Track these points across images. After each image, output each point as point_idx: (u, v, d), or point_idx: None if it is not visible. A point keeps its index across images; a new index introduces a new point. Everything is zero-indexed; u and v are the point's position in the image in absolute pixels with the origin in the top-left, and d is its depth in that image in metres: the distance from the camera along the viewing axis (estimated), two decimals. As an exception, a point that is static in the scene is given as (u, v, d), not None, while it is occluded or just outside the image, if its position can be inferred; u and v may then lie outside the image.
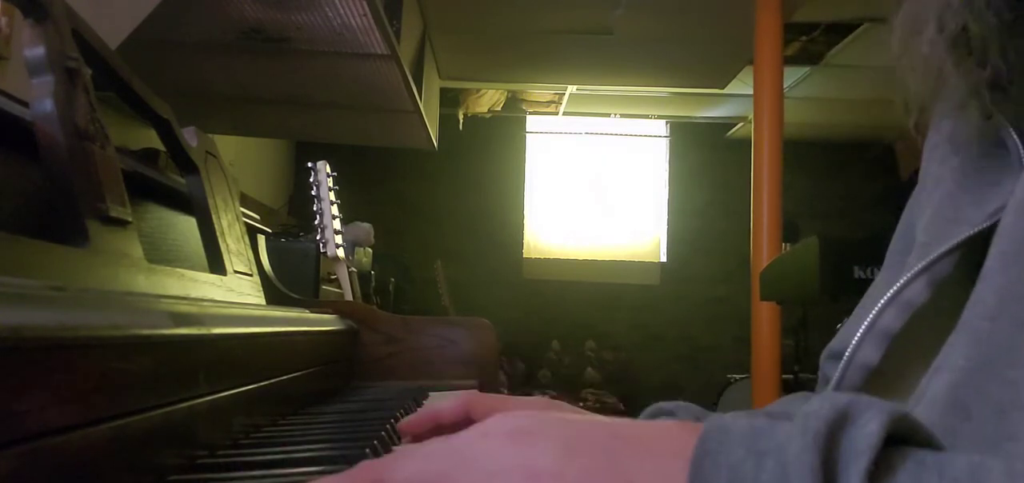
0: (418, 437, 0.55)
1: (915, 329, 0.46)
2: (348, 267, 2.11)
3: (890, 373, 0.47)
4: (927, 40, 0.43)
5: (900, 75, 0.47)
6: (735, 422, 0.33)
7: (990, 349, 0.37)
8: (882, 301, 0.47)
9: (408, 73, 3.04)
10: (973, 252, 0.43)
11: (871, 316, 0.47)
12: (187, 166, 0.98)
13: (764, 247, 3.16)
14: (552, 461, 0.34)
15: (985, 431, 0.36)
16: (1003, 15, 0.40)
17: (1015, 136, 0.43)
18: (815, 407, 0.31)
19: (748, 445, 0.31)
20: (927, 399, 0.40)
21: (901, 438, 0.31)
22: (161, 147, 0.98)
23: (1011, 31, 0.40)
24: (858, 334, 0.48)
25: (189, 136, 0.99)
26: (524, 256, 6.20)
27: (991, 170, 0.45)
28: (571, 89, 5.27)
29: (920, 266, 0.45)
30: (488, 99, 5.58)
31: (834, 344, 0.55)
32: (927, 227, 0.48)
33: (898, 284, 0.46)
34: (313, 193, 1.88)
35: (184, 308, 0.60)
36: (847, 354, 0.48)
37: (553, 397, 0.63)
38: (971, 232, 0.43)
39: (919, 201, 0.53)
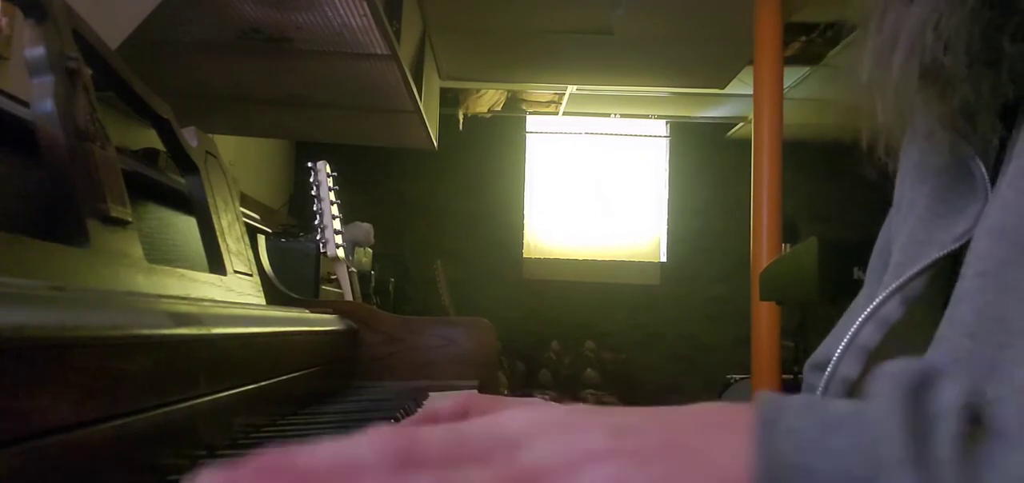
0: None
1: (892, 345, 0.48)
2: (348, 267, 2.11)
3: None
4: (897, 66, 0.44)
5: (867, 100, 0.48)
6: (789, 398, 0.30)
7: (972, 368, 0.38)
8: (860, 318, 0.48)
9: (408, 73, 3.04)
10: (942, 272, 0.46)
11: (851, 332, 0.49)
12: (187, 166, 0.98)
13: (764, 247, 3.16)
14: (602, 441, 0.30)
15: None
16: (974, 49, 0.41)
17: (981, 165, 0.45)
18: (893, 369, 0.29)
19: (813, 414, 0.28)
20: None
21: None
22: (161, 147, 0.98)
23: (983, 64, 0.41)
24: (839, 349, 0.49)
25: (189, 136, 0.99)
26: (524, 256, 6.20)
27: (959, 195, 0.47)
28: (571, 89, 5.27)
29: (895, 285, 0.47)
30: (488, 99, 5.58)
31: (817, 356, 0.57)
32: (902, 248, 0.50)
33: (875, 302, 0.48)
34: (313, 193, 1.88)
35: (184, 308, 0.60)
36: (829, 370, 0.50)
37: (552, 398, 0.63)
38: (941, 254, 0.45)
39: (895, 222, 0.55)
